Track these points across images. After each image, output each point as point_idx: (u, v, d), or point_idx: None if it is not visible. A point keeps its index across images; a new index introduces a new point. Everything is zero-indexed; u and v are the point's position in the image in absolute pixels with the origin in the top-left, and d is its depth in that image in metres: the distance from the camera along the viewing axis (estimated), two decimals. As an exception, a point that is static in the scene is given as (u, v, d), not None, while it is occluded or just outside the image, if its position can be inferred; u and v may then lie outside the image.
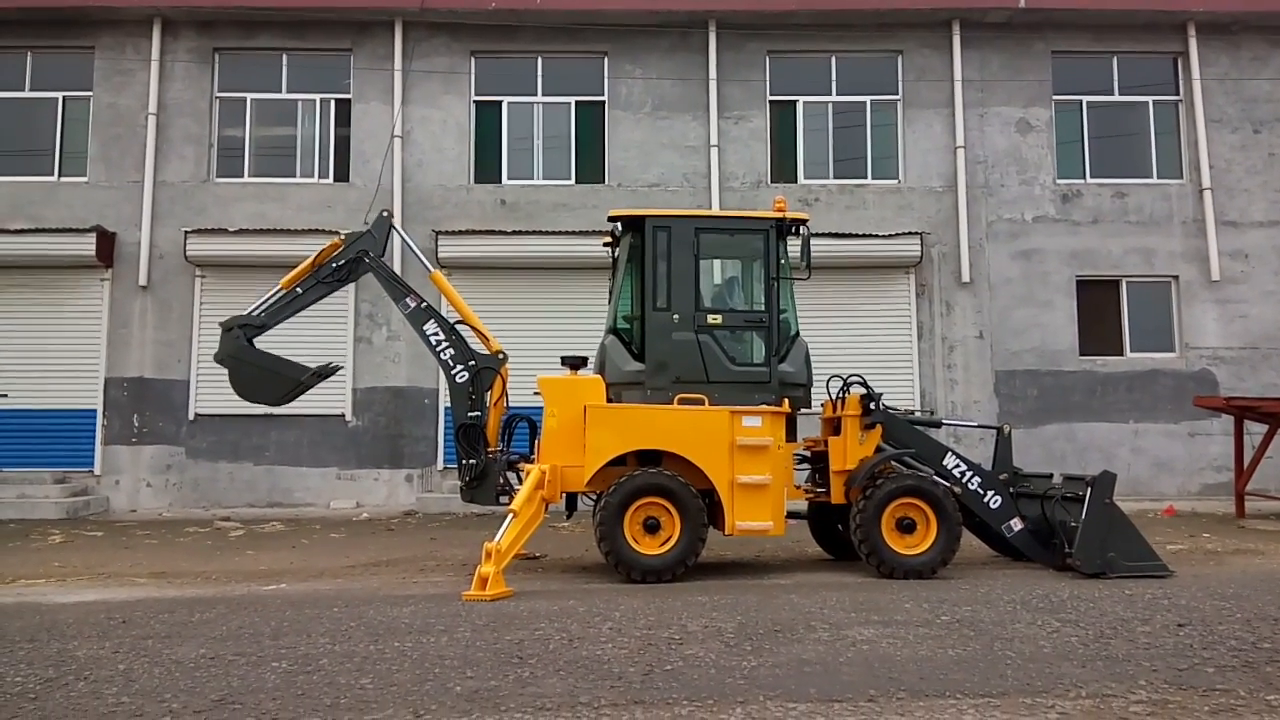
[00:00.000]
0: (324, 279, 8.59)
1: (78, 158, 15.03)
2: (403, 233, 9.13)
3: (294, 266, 14.28)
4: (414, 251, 9.37)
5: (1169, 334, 14.97)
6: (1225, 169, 15.12)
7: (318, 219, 14.54)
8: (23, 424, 14.44)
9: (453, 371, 8.43)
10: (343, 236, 8.78)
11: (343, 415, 14.59)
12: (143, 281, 14.59)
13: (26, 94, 15.20)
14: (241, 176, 15.07)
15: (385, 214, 8.79)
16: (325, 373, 8.66)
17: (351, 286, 14.37)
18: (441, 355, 8.47)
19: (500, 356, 8.49)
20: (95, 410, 14.51)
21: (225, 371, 8.45)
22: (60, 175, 15.01)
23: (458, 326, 8.60)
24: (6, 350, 14.49)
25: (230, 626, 5.96)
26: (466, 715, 4.13)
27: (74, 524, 12.61)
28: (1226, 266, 14.89)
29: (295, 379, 8.51)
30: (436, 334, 8.49)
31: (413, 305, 8.56)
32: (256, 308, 8.53)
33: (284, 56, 15.31)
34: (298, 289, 8.58)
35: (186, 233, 14.48)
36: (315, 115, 15.30)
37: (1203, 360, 14.81)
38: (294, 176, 15.12)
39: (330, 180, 15.11)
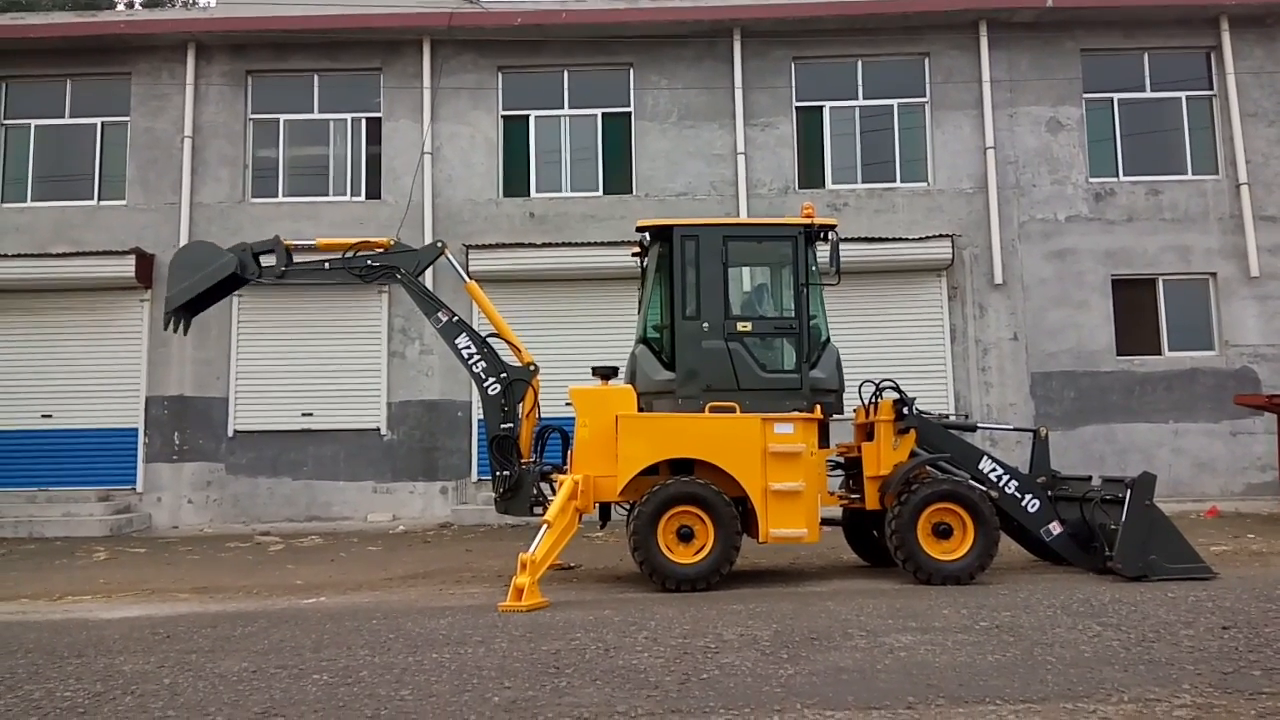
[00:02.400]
0: (352, 268, 8.70)
1: (116, 182, 15.36)
2: (455, 264, 9.17)
3: (329, 284, 14.52)
4: (460, 274, 9.35)
5: (1208, 332, 14.73)
6: (1262, 163, 14.87)
7: (351, 236, 14.68)
8: (66, 443, 14.75)
9: (485, 384, 8.50)
10: (393, 242, 8.88)
11: (378, 429, 14.74)
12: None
13: (66, 120, 15.56)
14: (276, 196, 15.31)
15: (440, 244, 8.87)
16: (175, 320, 8.75)
17: (385, 302, 14.79)
18: (474, 368, 8.54)
19: (532, 368, 8.54)
20: (137, 429, 14.78)
21: (216, 279, 8.60)
22: (100, 199, 15.34)
23: (490, 339, 8.67)
24: (50, 371, 14.81)
25: (272, 640, 6.05)
26: (505, 725, 4.16)
27: (118, 541, 12.84)
28: (1266, 262, 14.62)
29: (171, 309, 8.68)
30: (468, 347, 8.56)
31: (444, 320, 8.63)
32: (294, 253, 8.63)
33: (315, 77, 15.55)
34: (326, 263, 8.71)
35: (223, 252, 14.71)
36: (347, 134, 15.52)
37: (1243, 358, 14.54)
38: (327, 195, 15.33)
39: (363, 198, 15.30)
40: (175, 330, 8.87)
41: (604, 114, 15.50)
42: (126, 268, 14.55)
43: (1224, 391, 14.21)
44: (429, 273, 13.82)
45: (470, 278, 14.68)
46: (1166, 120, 15.31)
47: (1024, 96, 15.13)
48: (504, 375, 8.47)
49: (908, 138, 15.35)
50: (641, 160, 15.25)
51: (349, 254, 8.71)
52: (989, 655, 5.18)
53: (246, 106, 15.43)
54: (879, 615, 6.35)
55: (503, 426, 8.37)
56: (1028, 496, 8.24)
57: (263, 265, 8.67)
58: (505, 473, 8.29)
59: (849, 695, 4.49)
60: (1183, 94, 15.30)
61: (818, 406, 8.14)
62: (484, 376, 8.49)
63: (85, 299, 14.87)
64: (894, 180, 15.23)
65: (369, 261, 8.70)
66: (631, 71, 15.45)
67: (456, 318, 8.68)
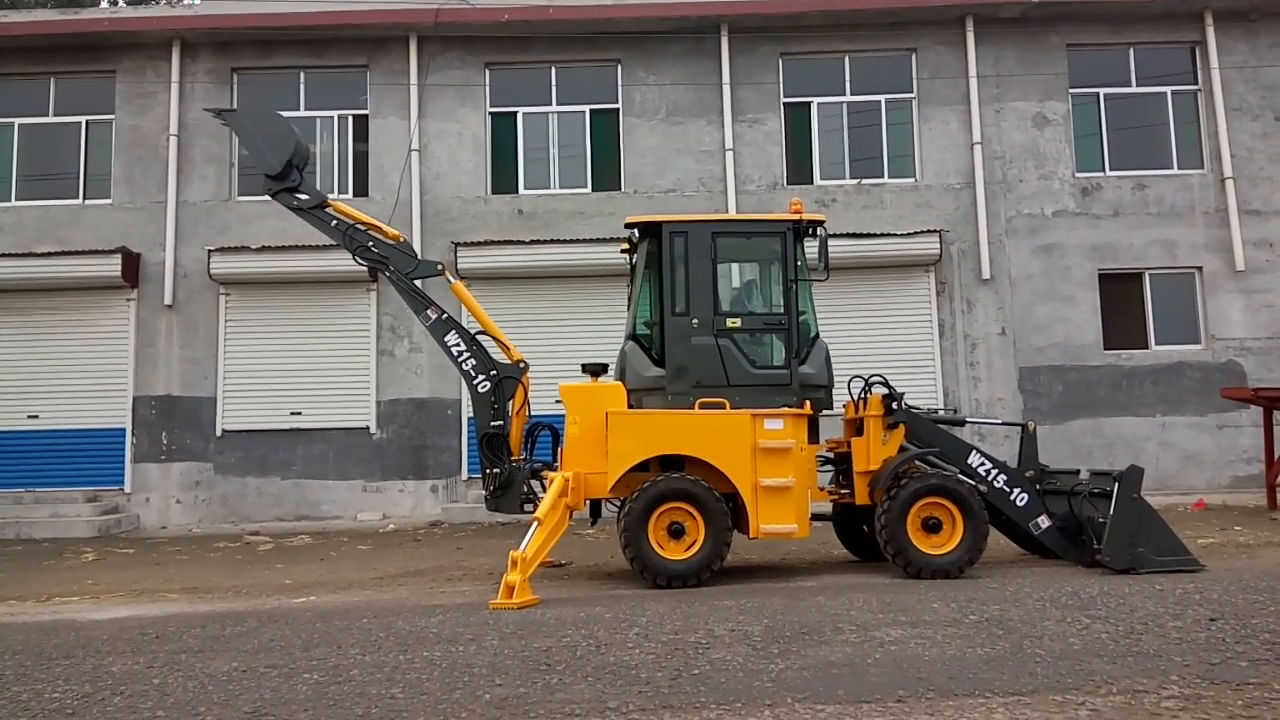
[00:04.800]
0: (350, 238, 8.70)
1: (102, 180, 15.26)
2: (451, 278, 9.08)
3: (317, 282, 14.48)
4: (449, 280, 9.25)
5: (1194, 326, 14.82)
6: (1247, 158, 14.96)
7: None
8: (53, 444, 14.66)
9: (475, 382, 8.49)
10: (403, 239, 8.89)
11: (367, 428, 14.70)
12: (168, 301, 14.77)
13: (51, 119, 15.45)
14: (262, 195, 15.17)
15: (440, 266, 8.86)
16: (220, 117, 9.36)
17: (374, 300, 14.75)
18: (463, 366, 8.53)
19: (521, 365, 8.54)
20: (124, 429, 14.70)
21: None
22: (85, 198, 15.24)
23: (479, 337, 8.66)
24: (36, 371, 14.71)
25: (261, 639, 6.03)
26: (496, 723, 4.16)
27: (106, 542, 12.77)
28: (1251, 256, 14.72)
29: (226, 116, 9.38)
30: (458, 345, 8.55)
31: (434, 317, 8.62)
32: (323, 194, 8.81)
33: (301, 74, 15.49)
34: (334, 222, 8.74)
35: (210, 251, 14.65)
36: (334, 131, 15.46)
37: (1229, 351, 14.64)
38: (314, 193, 15.23)
39: (350, 195, 15.23)
40: (213, 112, 9.56)
41: (592, 110, 15.49)
42: (112, 267, 14.47)
43: (1210, 385, 14.30)
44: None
45: (459, 275, 14.69)
46: (1152, 115, 15.38)
47: (1010, 92, 15.18)
48: (494, 373, 8.47)
49: (895, 133, 15.38)
50: (630, 157, 15.24)
51: (360, 226, 8.69)
52: (978, 648, 5.20)
53: (232, 104, 15.30)
54: (869, 609, 6.37)
55: (493, 424, 8.37)
56: (1016, 490, 8.28)
57: (295, 195, 8.74)
58: (495, 470, 8.29)
59: (839, 689, 4.50)
60: (1168, 89, 15.38)
61: (807, 402, 8.16)
62: (474, 374, 8.49)
63: (71, 298, 14.78)
64: (882, 176, 15.26)
65: (370, 245, 8.69)
66: (619, 68, 15.43)
67: (446, 315, 8.67)
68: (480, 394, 8.46)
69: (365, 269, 13.94)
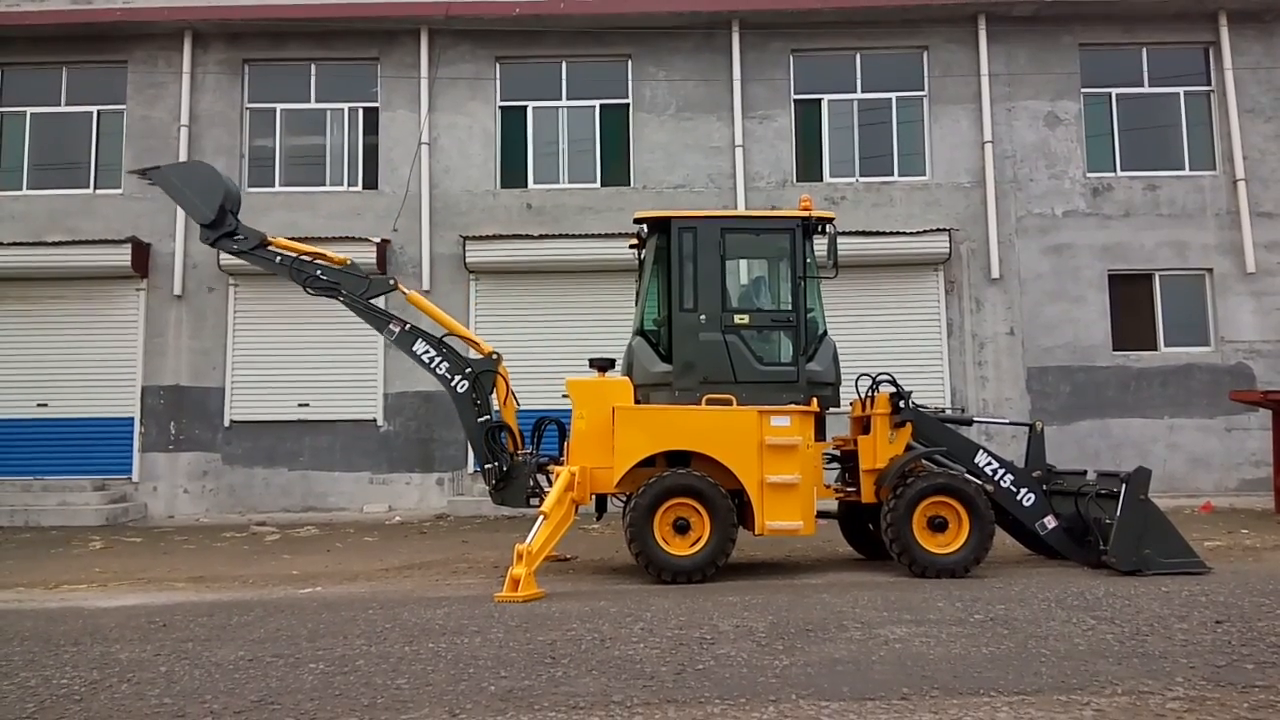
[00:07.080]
0: (297, 271, 8.52)
1: (112, 170, 15.31)
2: (406, 291, 8.99)
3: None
4: (404, 294, 9.14)
5: (1204, 328, 14.76)
6: (1259, 159, 14.89)
7: (347, 226, 14.71)
8: (62, 432, 14.73)
9: (453, 383, 8.43)
10: (349, 261, 8.76)
11: (374, 420, 14.73)
12: (177, 291, 14.82)
13: (62, 109, 15.50)
14: (272, 186, 15.26)
15: (392, 281, 8.88)
16: (146, 178, 9.06)
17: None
18: (437, 371, 8.47)
19: (494, 357, 8.50)
20: (133, 418, 14.76)
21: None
22: (96, 188, 15.30)
23: (445, 339, 8.58)
24: (46, 360, 14.78)
25: (268, 629, 6.05)
26: (501, 715, 4.16)
27: (114, 530, 12.83)
28: (1262, 258, 14.65)
29: (151, 175, 8.99)
30: (427, 351, 8.50)
31: (397, 331, 8.59)
32: (261, 234, 8.58)
33: (312, 66, 15.50)
34: (278, 258, 8.55)
35: (219, 242, 14.67)
36: (344, 124, 15.48)
37: (1239, 354, 14.58)
38: (323, 185, 15.29)
39: (359, 188, 15.27)
40: (138, 173, 9.29)
41: (602, 105, 15.48)
42: (122, 256, 14.52)
43: (1219, 387, 14.24)
44: (425, 270, 13.87)
45: (467, 269, 14.74)
46: (1164, 116, 15.32)
47: (1022, 91, 15.12)
48: (469, 370, 8.42)
49: (906, 131, 15.35)
50: (639, 152, 15.23)
51: (304, 258, 8.55)
52: (983, 647, 5.20)
53: (243, 95, 15.38)
54: (874, 607, 6.36)
55: (480, 419, 8.33)
56: (1023, 490, 8.26)
57: (233, 239, 8.54)
58: (491, 464, 8.23)
59: (844, 686, 4.50)
60: (1181, 89, 15.31)
61: (814, 400, 8.15)
62: (450, 376, 8.44)
63: (81, 288, 14.84)
64: (892, 174, 15.23)
65: (318, 273, 8.60)
66: (630, 63, 15.42)
67: (409, 325, 8.63)
68: (460, 394, 8.41)
69: (373, 263, 14.03)
